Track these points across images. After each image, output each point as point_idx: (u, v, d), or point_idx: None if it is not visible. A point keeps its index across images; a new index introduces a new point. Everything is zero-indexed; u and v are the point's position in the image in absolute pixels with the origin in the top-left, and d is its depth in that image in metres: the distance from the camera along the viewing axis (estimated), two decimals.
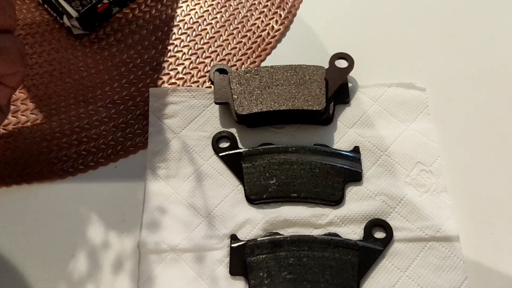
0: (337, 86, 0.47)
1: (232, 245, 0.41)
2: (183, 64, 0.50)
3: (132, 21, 0.53)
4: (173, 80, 0.49)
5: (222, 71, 0.48)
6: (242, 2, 0.54)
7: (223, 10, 0.53)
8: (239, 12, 0.53)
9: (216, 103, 0.46)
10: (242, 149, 0.45)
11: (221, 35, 0.52)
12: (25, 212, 0.43)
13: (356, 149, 0.45)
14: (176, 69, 0.50)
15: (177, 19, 0.53)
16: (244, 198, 0.43)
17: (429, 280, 0.39)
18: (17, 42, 0.36)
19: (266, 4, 0.53)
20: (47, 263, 0.41)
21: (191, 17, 0.53)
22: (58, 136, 0.46)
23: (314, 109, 0.44)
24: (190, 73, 0.50)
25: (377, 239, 0.41)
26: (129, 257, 0.41)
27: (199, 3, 0.54)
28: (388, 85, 0.48)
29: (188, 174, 0.44)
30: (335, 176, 0.43)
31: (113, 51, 0.51)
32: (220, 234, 0.41)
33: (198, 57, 0.51)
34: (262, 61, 0.51)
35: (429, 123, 0.46)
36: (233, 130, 0.46)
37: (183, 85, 0.49)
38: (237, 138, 0.46)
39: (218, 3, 0.54)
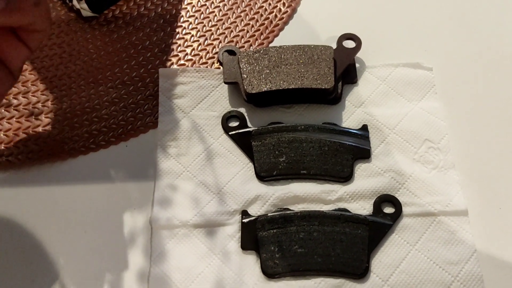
0: (345, 66, 0.47)
1: (244, 221, 0.41)
2: (191, 46, 0.51)
3: (141, 4, 0.53)
4: (181, 62, 0.50)
5: (230, 52, 0.48)
6: None
7: None
8: None
9: (226, 83, 0.46)
10: (251, 128, 0.45)
11: (229, 18, 0.52)
12: (37, 190, 0.43)
13: (364, 127, 0.45)
14: (184, 50, 0.50)
15: (185, 1, 0.53)
16: (254, 175, 0.43)
17: (439, 253, 0.40)
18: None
19: None
20: (59, 240, 0.41)
21: (199, 0, 0.53)
22: (69, 116, 0.46)
23: (323, 87, 0.44)
24: (198, 54, 0.50)
25: (386, 214, 0.41)
26: (141, 233, 0.41)
27: None
28: (396, 65, 0.48)
29: (199, 152, 0.44)
30: (344, 154, 0.44)
31: (122, 33, 0.51)
32: (231, 210, 0.42)
33: (206, 39, 0.51)
34: (270, 43, 0.51)
35: (436, 102, 0.46)
36: (242, 110, 0.47)
37: (191, 66, 0.49)
38: (246, 117, 0.46)
39: None
